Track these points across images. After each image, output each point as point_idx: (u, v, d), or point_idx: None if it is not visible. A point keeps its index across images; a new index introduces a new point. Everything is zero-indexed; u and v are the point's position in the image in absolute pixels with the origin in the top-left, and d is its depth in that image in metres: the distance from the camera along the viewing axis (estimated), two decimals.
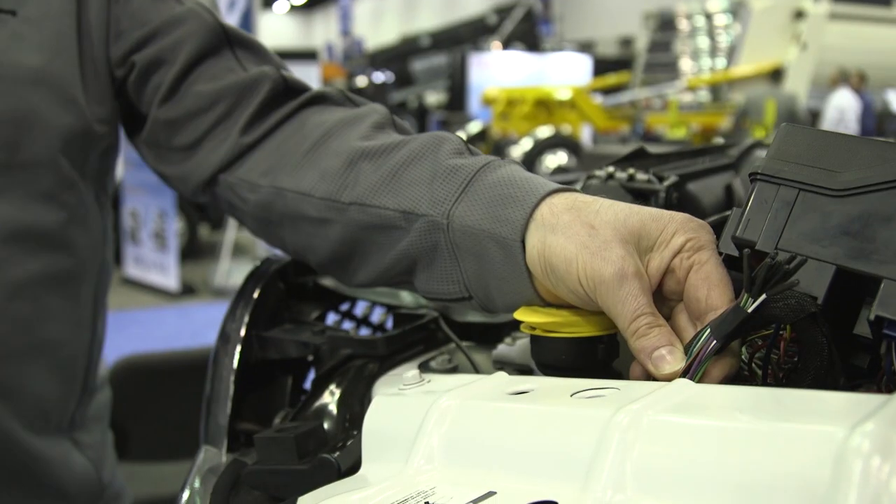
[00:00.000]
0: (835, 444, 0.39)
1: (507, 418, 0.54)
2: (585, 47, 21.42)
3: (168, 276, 6.59)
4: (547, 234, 0.65)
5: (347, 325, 1.01)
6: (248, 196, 0.87)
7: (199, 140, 0.91)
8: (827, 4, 12.05)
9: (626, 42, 22.90)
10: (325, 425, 0.77)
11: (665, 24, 14.11)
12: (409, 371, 0.68)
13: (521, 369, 0.82)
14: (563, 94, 13.24)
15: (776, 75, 11.27)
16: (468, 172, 0.72)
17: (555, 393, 0.57)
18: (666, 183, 0.94)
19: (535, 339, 0.67)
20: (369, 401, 0.79)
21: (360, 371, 0.83)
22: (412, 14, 32.66)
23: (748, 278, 0.55)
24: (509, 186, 0.69)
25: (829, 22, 11.99)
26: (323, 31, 36.81)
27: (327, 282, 0.99)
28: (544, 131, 11.82)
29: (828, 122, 10.08)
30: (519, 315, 0.68)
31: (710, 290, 0.60)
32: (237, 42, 0.93)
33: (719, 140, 10.34)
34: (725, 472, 0.42)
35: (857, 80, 10.31)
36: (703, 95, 12.80)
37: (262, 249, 7.19)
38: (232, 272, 6.74)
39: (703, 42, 13.60)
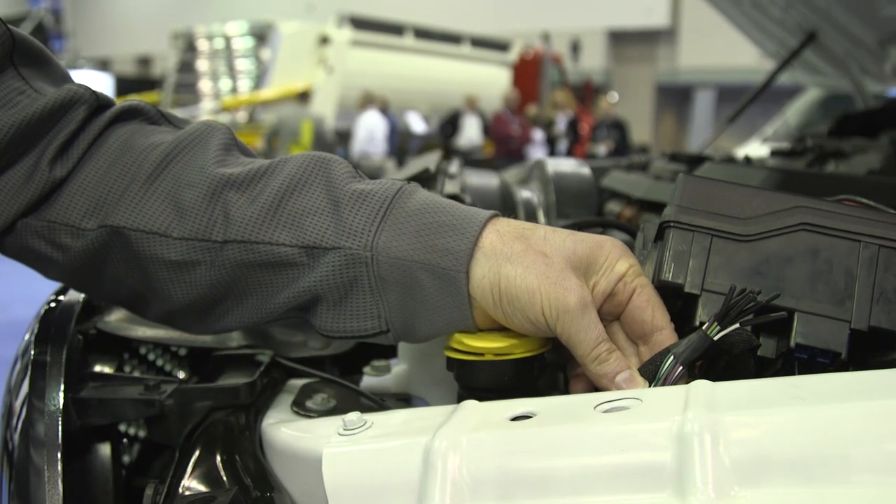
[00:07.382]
0: None
1: (546, 443, 0.53)
2: (103, 65, 20.50)
3: None
4: (501, 265, 0.64)
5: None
6: (68, 243, 0.71)
7: None
8: (349, 31, 12.87)
9: (145, 61, 22.34)
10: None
11: (192, 45, 13.97)
12: (350, 415, 0.63)
13: (401, 398, 0.80)
14: None
15: (304, 97, 11.79)
16: (382, 199, 0.67)
17: (573, 411, 0.57)
18: (468, 201, 0.98)
19: (472, 365, 0.67)
20: (264, 455, 0.72)
21: (230, 424, 0.74)
22: None
23: (724, 310, 0.61)
24: (438, 213, 0.67)
25: (352, 48, 12.82)
26: None
27: (109, 328, 0.87)
28: None
29: (359, 141, 10.81)
30: (470, 342, 0.66)
31: (655, 312, 0.66)
32: (20, 52, 0.73)
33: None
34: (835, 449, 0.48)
35: (381, 103, 11.18)
36: (241, 116, 12.88)
37: None
38: None
39: (222, 64, 13.69)
